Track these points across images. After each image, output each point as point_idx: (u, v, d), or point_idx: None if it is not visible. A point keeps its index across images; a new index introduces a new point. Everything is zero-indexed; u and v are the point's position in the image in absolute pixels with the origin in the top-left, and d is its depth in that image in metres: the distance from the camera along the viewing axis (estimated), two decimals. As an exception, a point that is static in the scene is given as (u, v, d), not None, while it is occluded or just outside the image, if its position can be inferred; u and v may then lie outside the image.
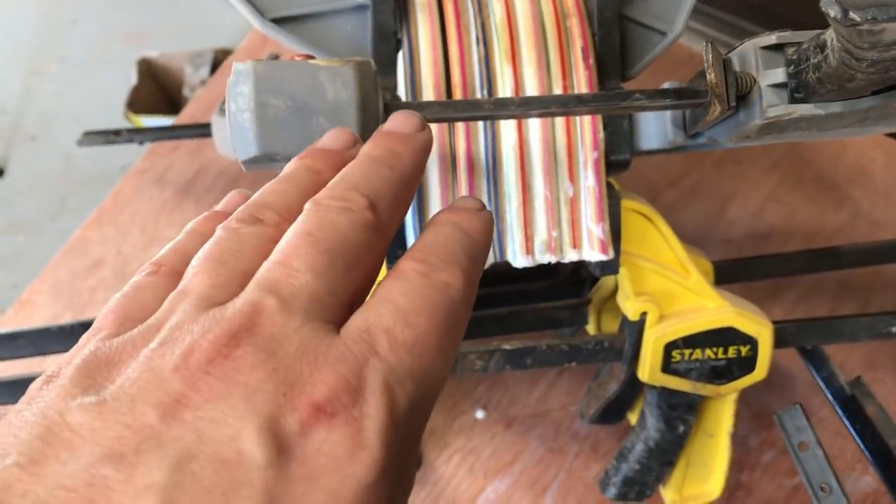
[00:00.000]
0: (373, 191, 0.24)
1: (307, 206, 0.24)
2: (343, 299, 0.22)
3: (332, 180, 0.25)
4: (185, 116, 0.83)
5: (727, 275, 0.60)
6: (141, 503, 0.17)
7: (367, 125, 0.34)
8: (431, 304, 0.22)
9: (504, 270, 0.61)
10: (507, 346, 0.50)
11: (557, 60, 0.43)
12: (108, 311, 0.24)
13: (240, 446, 0.18)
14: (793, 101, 0.36)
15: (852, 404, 0.57)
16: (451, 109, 0.36)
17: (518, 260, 0.44)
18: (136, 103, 1.35)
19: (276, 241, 0.23)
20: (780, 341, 0.51)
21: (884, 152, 0.75)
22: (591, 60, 0.44)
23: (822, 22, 0.66)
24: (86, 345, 0.22)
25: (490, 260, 0.44)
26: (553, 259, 0.44)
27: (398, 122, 0.28)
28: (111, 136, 0.69)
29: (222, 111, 0.71)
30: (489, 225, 0.26)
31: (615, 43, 0.44)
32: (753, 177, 0.75)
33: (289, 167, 0.27)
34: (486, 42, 0.43)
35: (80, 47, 1.76)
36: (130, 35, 1.69)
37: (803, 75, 0.35)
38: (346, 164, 0.26)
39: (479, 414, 0.67)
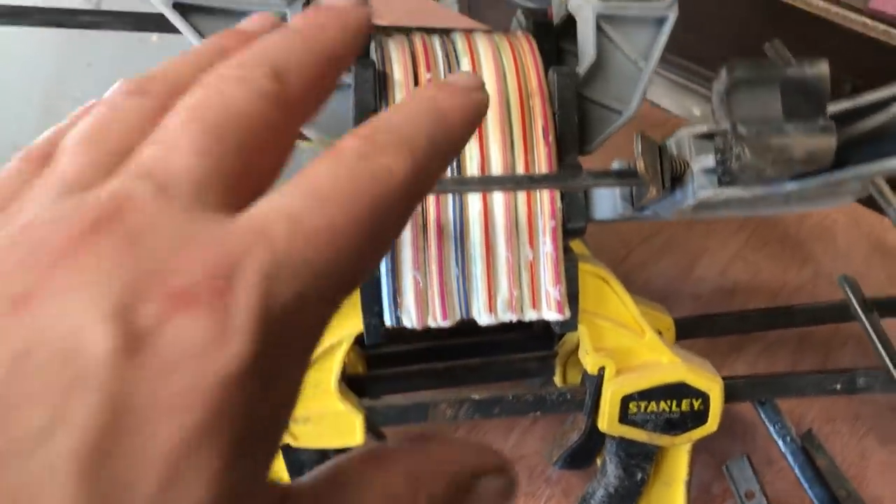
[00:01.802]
0: (279, 60, 0.21)
1: (201, 76, 0.21)
2: (236, 183, 0.19)
3: (241, 50, 0.22)
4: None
5: (689, 330, 0.64)
6: None
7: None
8: (359, 191, 0.19)
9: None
10: (476, 396, 0.54)
11: (520, 138, 0.48)
12: None
13: (83, 337, 0.16)
14: (721, 184, 0.40)
15: (803, 456, 0.60)
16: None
17: (482, 318, 0.48)
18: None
19: (162, 115, 0.20)
20: (731, 396, 0.55)
21: (845, 214, 0.79)
22: (551, 138, 0.48)
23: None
24: None
25: (456, 316, 0.48)
26: (514, 317, 0.48)
27: None
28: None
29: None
30: (477, 109, 0.22)
31: (574, 121, 0.49)
32: (722, 236, 0.79)
33: (194, 46, 0.24)
34: (456, 119, 0.48)
35: (94, 89, 1.81)
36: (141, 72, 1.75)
37: (728, 163, 0.39)
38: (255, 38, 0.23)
39: (457, 457, 0.70)
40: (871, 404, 0.71)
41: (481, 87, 0.23)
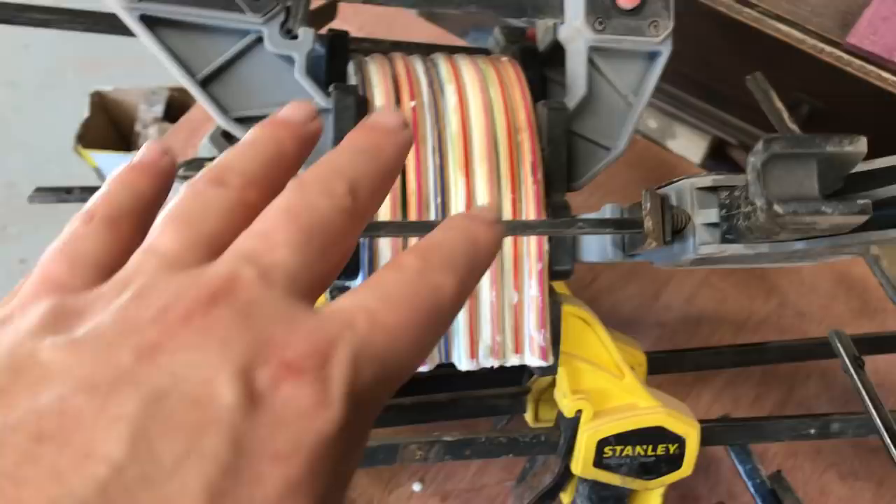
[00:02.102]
0: (354, 179, 0.25)
1: (290, 184, 0.24)
2: (317, 278, 0.23)
3: (316, 163, 0.25)
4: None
5: (660, 365, 0.63)
6: (112, 431, 0.18)
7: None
8: (419, 298, 0.22)
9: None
10: (447, 438, 0.51)
11: (508, 174, 0.46)
12: (51, 259, 0.23)
13: (212, 389, 0.19)
14: (724, 240, 0.38)
15: (772, 497, 0.60)
16: (407, 230, 0.38)
17: (463, 363, 0.46)
18: (87, 138, 1.34)
19: (241, 205, 0.24)
20: (706, 440, 0.54)
21: (812, 247, 0.79)
22: (539, 175, 0.46)
23: (753, 101, 0.69)
24: (38, 293, 0.22)
25: (435, 361, 0.46)
26: (496, 363, 0.46)
27: (385, 117, 0.28)
28: (63, 195, 0.69)
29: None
30: (500, 238, 0.27)
31: (562, 159, 0.47)
32: (689, 263, 0.78)
33: (250, 134, 0.27)
34: (441, 152, 0.45)
35: (31, 74, 1.74)
36: (83, 64, 1.68)
37: (734, 220, 0.37)
38: (308, 136, 0.27)
39: (416, 487, 0.68)
40: (832, 440, 0.71)
41: (500, 219, 0.27)
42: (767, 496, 0.59)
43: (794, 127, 0.62)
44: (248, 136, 0.26)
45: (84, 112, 1.39)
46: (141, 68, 1.62)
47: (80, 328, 0.20)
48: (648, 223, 0.36)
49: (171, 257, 0.22)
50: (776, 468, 0.68)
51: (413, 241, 0.45)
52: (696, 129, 1.39)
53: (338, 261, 0.24)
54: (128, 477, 0.17)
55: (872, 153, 0.33)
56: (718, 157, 1.45)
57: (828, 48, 0.69)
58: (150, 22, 0.44)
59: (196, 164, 0.54)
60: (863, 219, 0.27)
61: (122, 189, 0.26)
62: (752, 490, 0.60)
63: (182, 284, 0.21)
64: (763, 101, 0.62)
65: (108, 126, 1.39)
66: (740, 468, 0.60)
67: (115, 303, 0.20)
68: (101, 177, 1.40)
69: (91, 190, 0.73)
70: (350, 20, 0.79)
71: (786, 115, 0.63)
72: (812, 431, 0.55)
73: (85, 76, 1.63)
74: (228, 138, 0.65)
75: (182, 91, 1.40)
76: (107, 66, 1.61)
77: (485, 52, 0.65)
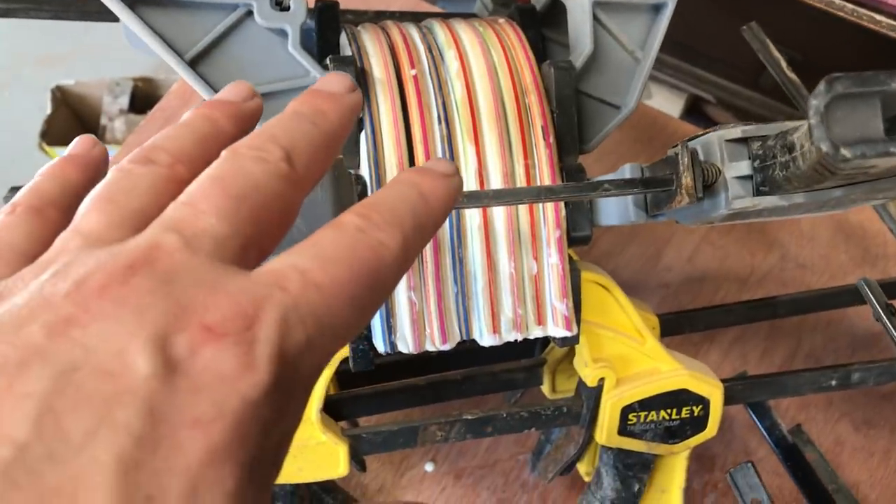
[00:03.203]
0: (291, 144, 0.24)
1: (223, 153, 0.24)
2: (248, 243, 0.22)
3: (254, 131, 0.25)
4: (112, 164, 0.80)
5: (671, 327, 0.61)
6: (18, 411, 0.17)
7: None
8: (357, 257, 0.22)
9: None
10: (468, 416, 0.50)
11: (518, 139, 0.44)
12: None
13: (126, 359, 0.18)
14: (758, 193, 0.37)
15: (793, 451, 0.59)
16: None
17: (485, 339, 0.44)
18: (51, 134, 1.30)
19: (170, 181, 0.24)
20: (728, 398, 0.53)
21: (809, 197, 0.78)
22: (552, 139, 0.44)
23: (729, 57, 0.69)
24: None
25: (456, 338, 0.44)
26: (519, 336, 0.44)
27: (329, 81, 0.27)
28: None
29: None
30: (454, 192, 0.26)
31: (573, 120, 0.45)
32: (688, 222, 0.77)
33: (185, 116, 0.26)
34: (447, 121, 0.43)
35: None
36: (42, 58, 1.63)
37: (769, 171, 0.36)
38: (245, 114, 0.27)
39: (429, 467, 0.67)
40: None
41: (457, 171, 0.26)
42: (789, 451, 0.58)
43: (792, 76, 0.61)
44: (182, 118, 0.26)
45: (46, 108, 1.35)
46: (102, 60, 1.57)
47: None
48: (687, 179, 0.34)
49: (95, 235, 0.22)
50: (789, 421, 0.68)
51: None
52: (672, 87, 1.38)
53: (275, 227, 0.23)
54: (32, 456, 0.17)
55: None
56: (695, 115, 1.44)
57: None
58: (132, 2, 0.41)
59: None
60: (928, 158, 0.26)
61: (49, 179, 0.26)
62: (772, 445, 0.59)
63: (101, 258, 0.20)
64: (760, 51, 0.61)
65: (73, 121, 1.35)
66: (759, 424, 0.59)
67: (34, 283, 0.20)
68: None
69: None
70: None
71: (784, 63, 0.61)
72: (833, 383, 0.54)
73: (43, 71, 1.58)
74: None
75: (147, 81, 1.36)
76: (66, 59, 1.57)
77: (473, 17, 0.63)
